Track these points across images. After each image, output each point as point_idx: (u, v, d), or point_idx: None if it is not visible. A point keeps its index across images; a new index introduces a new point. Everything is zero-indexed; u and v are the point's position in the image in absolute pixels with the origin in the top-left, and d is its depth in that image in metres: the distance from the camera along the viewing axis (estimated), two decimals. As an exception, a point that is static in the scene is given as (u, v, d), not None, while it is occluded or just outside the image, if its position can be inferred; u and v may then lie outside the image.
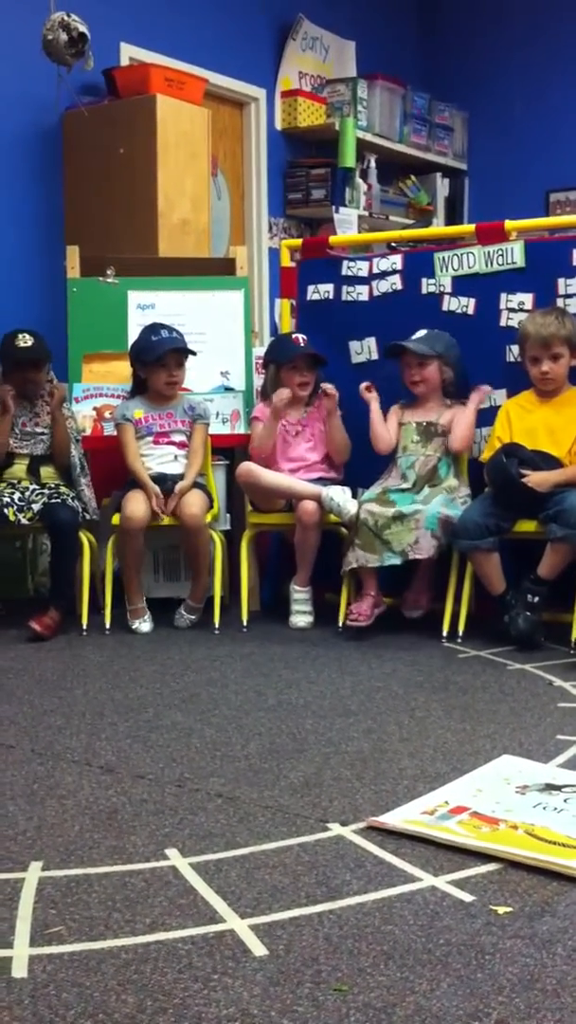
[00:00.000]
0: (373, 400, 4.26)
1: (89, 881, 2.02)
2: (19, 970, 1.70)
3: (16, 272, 5.17)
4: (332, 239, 4.88)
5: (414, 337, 4.19)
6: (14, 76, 5.10)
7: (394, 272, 4.48)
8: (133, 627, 4.18)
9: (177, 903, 1.92)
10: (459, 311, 4.34)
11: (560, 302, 4.09)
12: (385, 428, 4.24)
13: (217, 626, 4.19)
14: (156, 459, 4.34)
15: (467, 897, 1.93)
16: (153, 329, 4.36)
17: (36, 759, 2.74)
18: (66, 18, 4.82)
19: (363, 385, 4.28)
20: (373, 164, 6.76)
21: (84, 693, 3.36)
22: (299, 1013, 1.57)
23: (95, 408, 4.58)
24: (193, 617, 4.28)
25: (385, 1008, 1.57)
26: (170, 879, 2.03)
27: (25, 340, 4.22)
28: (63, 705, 3.22)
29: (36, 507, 4.14)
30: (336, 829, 2.25)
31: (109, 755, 2.76)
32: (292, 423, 4.40)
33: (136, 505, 4.15)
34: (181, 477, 4.28)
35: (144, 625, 4.20)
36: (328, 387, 4.30)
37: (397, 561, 3.93)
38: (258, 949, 1.75)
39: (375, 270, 4.52)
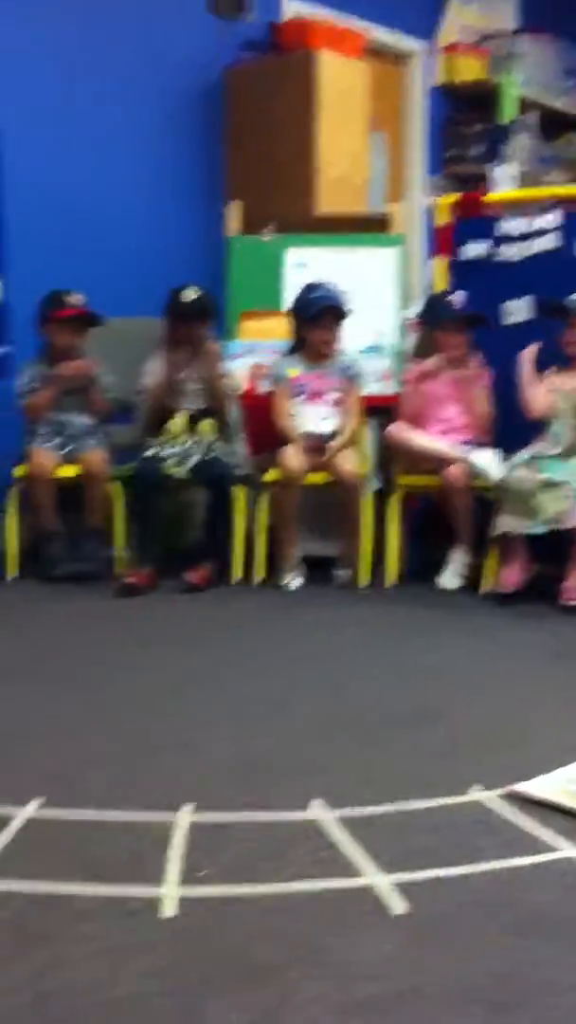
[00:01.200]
0: (528, 362, 4.18)
1: (236, 827, 2.10)
2: (168, 909, 1.79)
3: (178, 229, 5.26)
4: (488, 196, 4.81)
5: (576, 296, 4.09)
6: (176, 33, 5.16)
7: (552, 230, 4.40)
8: (283, 583, 4.25)
9: (319, 856, 1.98)
10: (619, 272, 4.23)
11: None
12: (536, 392, 4.15)
13: (363, 587, 4.23)
14: (309, 417, 4.39)
15: (605, 870, 1.94)
16: (313, 287, 4.39)
17: (187, 709, 2.84)
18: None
19: (531, 347, 4.18)
20: (533, 121, 6.59)
21: (236, 645, 3.45)
22: (432, 971, 1.61)
23: (251, 366, 4.65)
24: (349, 572, 4.31)
25: (512, 974, 1.60)
26: (314, 831, 2.09)
27: (191, 295, 4.32)
28: (215, 657, 3.32)
29: (193, 461, 4.25)
30: (476, 794, 2.27)
31: (259, 707, 2.85)
32: (444, 385, 4.38)
33: (294, 459, 4.21)
34: (332, 436, 4.33)
35: (295, 581, 4.27)
36: None
37: (543, 529, 3.88)
38: (397, 906, 1.80)
39: (532, 228, 4.44)
